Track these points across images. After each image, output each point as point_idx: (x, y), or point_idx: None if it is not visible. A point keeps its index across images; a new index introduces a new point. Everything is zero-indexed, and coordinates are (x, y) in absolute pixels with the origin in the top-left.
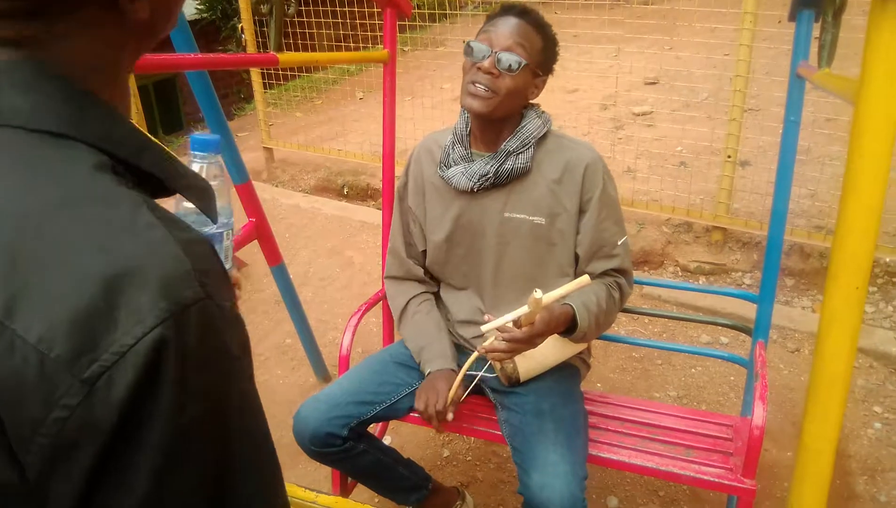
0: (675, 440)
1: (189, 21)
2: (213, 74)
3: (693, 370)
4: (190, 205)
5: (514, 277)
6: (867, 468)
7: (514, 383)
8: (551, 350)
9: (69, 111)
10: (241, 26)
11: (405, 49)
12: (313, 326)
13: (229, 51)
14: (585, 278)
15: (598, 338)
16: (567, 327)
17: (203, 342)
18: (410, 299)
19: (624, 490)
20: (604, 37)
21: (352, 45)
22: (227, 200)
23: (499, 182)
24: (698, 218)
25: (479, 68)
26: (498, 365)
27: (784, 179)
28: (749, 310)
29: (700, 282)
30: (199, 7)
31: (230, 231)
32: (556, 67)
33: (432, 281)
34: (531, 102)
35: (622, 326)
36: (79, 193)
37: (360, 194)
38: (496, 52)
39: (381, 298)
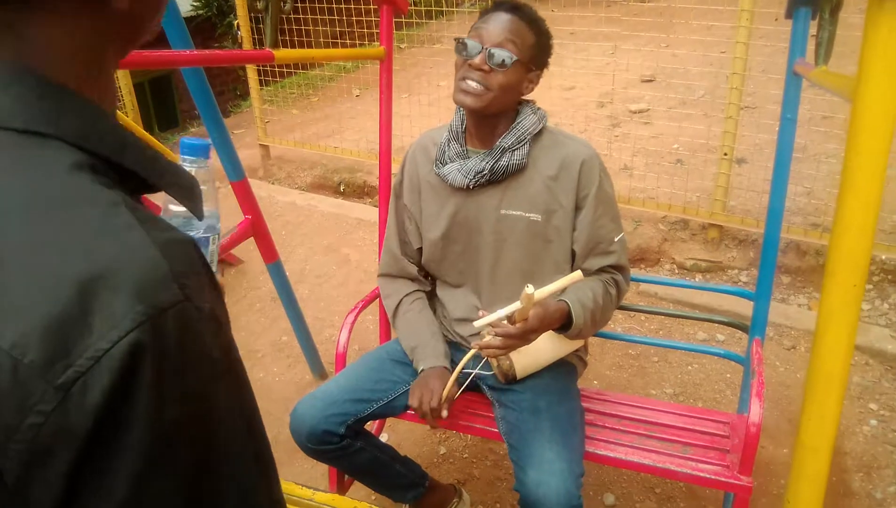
0: (671, 437)
1: (185, 17)
2: (208, 70)
3: (689, 367)
4: (179, 208)
5: (510, 274)
6: (863, 465)
7: (511, 380)
8: (548, 347)
9: (46, 108)
10: (237, 23)
11: (402, 46)
12: (310, 323)
13: (225, 47)
14: (578, 274)
15: (594, 335)
16: (562, 323)
17: (181, 346)
18: (403, 298)
19: (620, 487)
20: (600, 34)
21: (348, 42)
22: (215, 205)
23: (494, 179)
24: (695, 215)
25: (470, 65)
26: (494, 362)
27: (780, 177)
28: (745, 307)
29: (696, 279)
30: (194, 3)
31: (216, 236)
32: (554, 64)
33: (426, 279)
34: (526, 98)
35: (619, 323)
36: (53, 193)
37: (356, 192)
38: (487, 49)
39: (378, 295)
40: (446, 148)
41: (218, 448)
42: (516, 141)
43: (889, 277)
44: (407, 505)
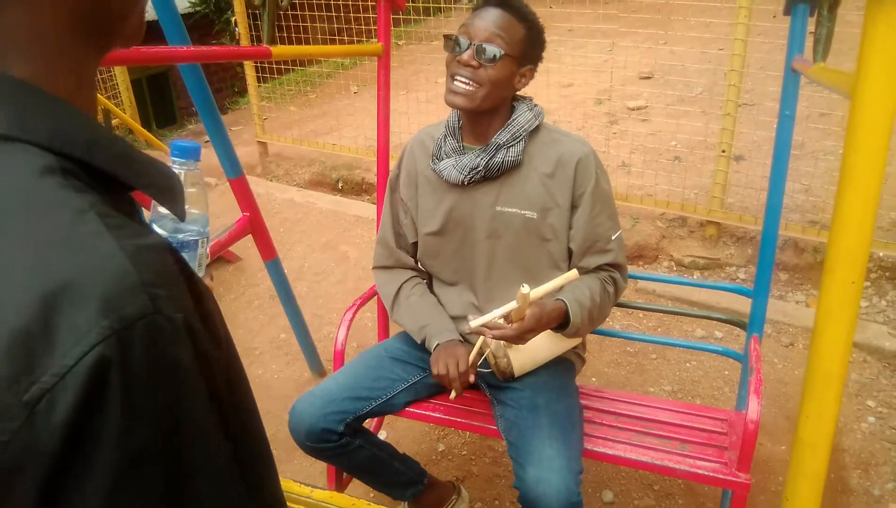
0: (669, 434)
1: (182, 14)
2: (206, 67)
3: (687, 364)
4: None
5: (505, 271)
6: (861, 462)
7: (509, 378)
8: (545, 345)
9: (11, 111)
10: (235, 19)
11: (399, 43)
12: (308, 321)
13: (223, 44)
14: (574, 273)
15: (592, 333)
16: (560, 322)
17: (150, 360)
18: (403, 284)
19: (619, 485)
20: (598, 31)
21: (346, 38)
22: (205, 208)
23: (489, 175)
24: (693, 213)
25: (459, 61)
26: (492, 360)
27: (778, 174)
28: (743, 304)
29: (694, 277)
30: (192, 0)
31: (206, 239)
32: (551, 61)
33: (423, 271)
34: (522, 94)
35: (616, 320)
36: (17, 202)
37: (354, 189)
38: (475, 44)
39: (376, 292)
40: (442, 144)
41: (193, 464)
42: (511, 138)
43: (887, 274)
44: (406, 503)
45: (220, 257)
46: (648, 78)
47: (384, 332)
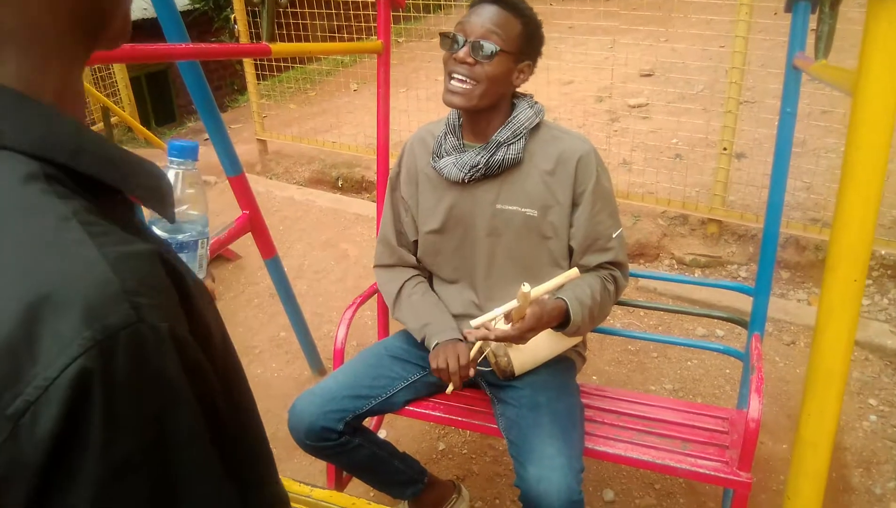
0: (671, 433)
1: (181, 12)
2: (206, 65)
3: (689, 362)
4: None
5: (506, 269)
6: (862, 460)
7: (509, 376)
8: (546, 343)
9: None
10: (234, 17)
11: (399, 40)
12: (308, 319)
13: (222, 42)
14: (574, 271)
15: (593, 331)
16: (560, 321)
17: (134, 370)
18: (405, 283)
19: (620, 483)
20: (599, 28)
21: (346, 36)
22: (204, 208)
23: (490, 173)
24: (694, 211)
25: (455, 59)
26: (493, 359)
27: (780, 171)
28: (744, 303)
29: (696, 275)
30: None
31: (206, 240)
32: (552, 59)
33: (423, 269)
34: (522, 91)
35: (617, 319)
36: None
37: (354, 187)
38: (470, 41)
39: (376, 291)
40: (443, 141)
41: (180, 474)
42: (512, 135)
43: (889, 272)
44: (406, 502)
45: (220, 255)
46: (649, 75)
47: (384, 330)
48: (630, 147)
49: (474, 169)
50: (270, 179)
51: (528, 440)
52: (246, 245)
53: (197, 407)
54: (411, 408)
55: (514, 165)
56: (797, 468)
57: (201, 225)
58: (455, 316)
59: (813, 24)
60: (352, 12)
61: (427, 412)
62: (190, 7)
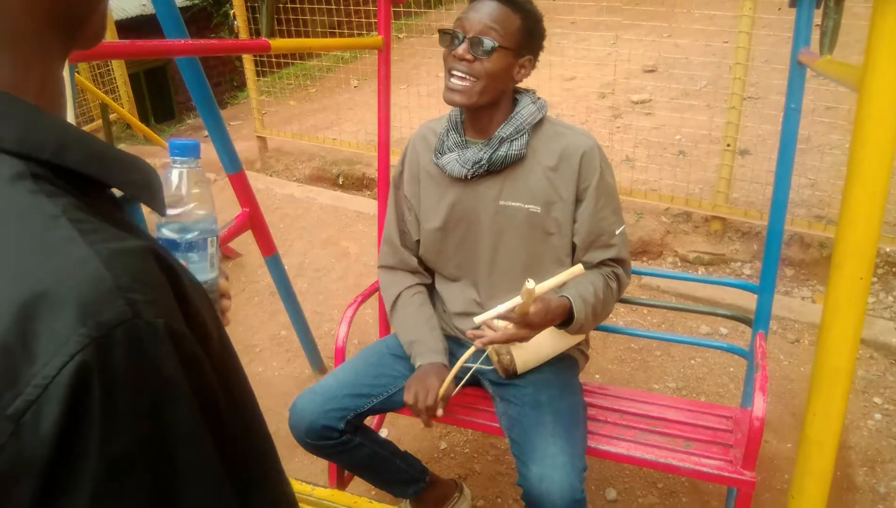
0: (674, 432)
1: (180, 8)
2: (205, 62)
3: (692, 361)
4: (175, 211)
5: (509, 266)
6: (867, 459)
7: (512, 375)
8: (549, 342)
9: None
10: (233, 13)
11: (400, 36)
12: (308, 317)
13: (221, 38)
14: (579, 268)
15: (596, 329)
16: (564, 318)
17: (132, 366)
18: (403, 291)
19: (623, 482)
20: (602, 24)
21: (346, 32)
22: (211, 206)
23: (493, 169)
24: (697, 208)
25: (454, 55)
26: (495, 357)
27: (784, 168)
28: (748, 300)
29: (699, 272)
30: None
31: (215, 238)
32: (554, 55)
33: (426, 272)
34: (525, 87)
35: (621, 317)
36: None
37: (355, 184)
38: (469, 38)
39: (377, 289)
40: (445, 138)
41: (179, 471)
42: (514, 131)
43: (894, 269)
44: (407, 501)
45: (220, 253)
46: (652, 71)
47: (385, 329)
48: (633, 144)
49: (477, 165)
50: (270, 176)
51: (530, 439)
52: (246, 243)
53: (195, 403)
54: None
55: (516, 161)
56: (802, 466)
57: (209, 223)
58: (457, 314)
59: (817, 20)
60: (352, 8)
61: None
62: (188, 3)
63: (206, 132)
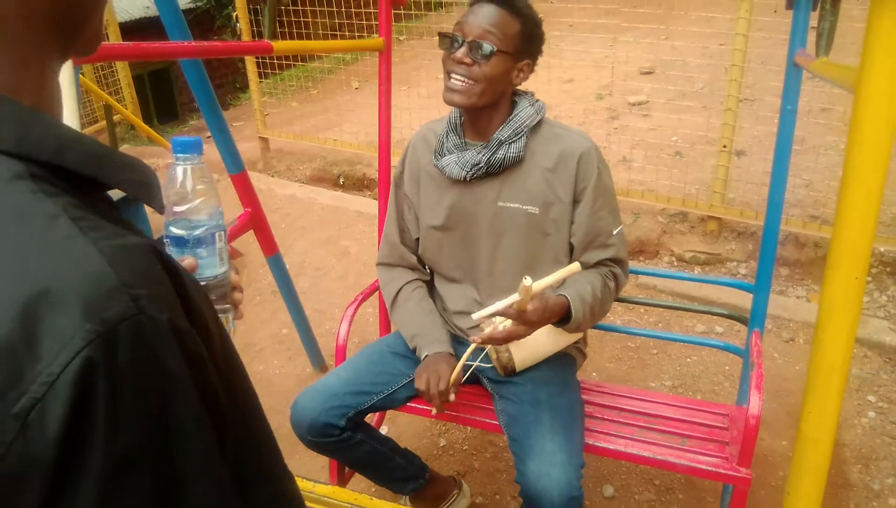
0: (670, 429)
1: (183, 10)
2: (208, 63)
3: (688, 359)
4: (182, 208)
5: (508, 267)
6: (861, 456)
7: (510, 373)
8: (547, 339)
9: None
10: (236, 15)
11: (401, 38)
12: (309, 316)
13: (224, 40)
14: (576, 265)
15: (593, 327)
16: (561, 316)
17: (136, 362)
18: (403, 286)
19: (620, 479)
20: (600, 26)
21: (347, 34)
22: (216, 201)
23: (491, 171)
24: (694, 208)
25: (453, 59)
26: (494, 355)
27: (780, 169)
28: (744, 300)
29: (695, 272)
30: None
31: (223, 232)
32: (552, 57)
33: (425, 269)
34: (523, 89)
35: (618, 315)
36: None
37: (356, 184)
38: (468, 41)
39: (378, 288)
40: (445, 140)
41: (183, 467)
42: (513, 134)
43: (888, 269)
44: (407, 497)
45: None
46: (649, 73)
47: (386, 327)
48: (630, 145)
49: (476, 168)
50: (272, 176)
51: (528, 436)
52: (248, 243)
53: (199, 398)
54: (413, 405)
55: (515, 163)
56: (798, 463)
57: (216, 218)
58: (457, 313)
59: (813, 22)
60: (353, 10)
61: (428, 408)
62: (192, 5)
63: (208, 133)
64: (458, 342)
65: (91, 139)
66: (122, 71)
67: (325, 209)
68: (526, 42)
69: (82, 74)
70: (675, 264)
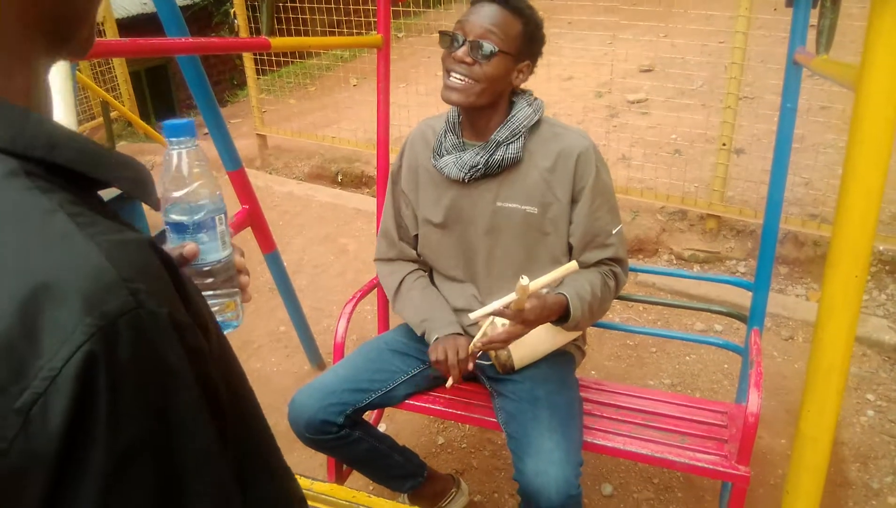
0: (669, 427)
1: (180, 6)
2: (205, 60)
3: (687, 357)
4: (180, 193)
5: (506, 266)
6: (860, 455)
7: (509, 370)
8: (545, 337)
9: None
10: (234, 11)
11: (399, 35)
12: (307, 313)
13: (222, 37)
14: (573, 265)
15: (592, 325)
16: (560, 315)
17: (137, 356)
18: (405, 276)
19: (618, 477)
20: (599, 24)
21: (345, 31)
22: (214, 183)
23: (490, 172)
24: (693, 206)
25: (454, 58)
26: (492, 353)
27: (780, 167)
28: (743, 298)
29: (694, 270)
30: None
31: (223, 215)
32: (552, 54)
33: (425, 265)
34: (522, 87)
35: (617, 313)
36: None
37: (354, 182)
38: (469, 41)
39: (376, 285)
40: (443, 140)
41: (184, 461)
42: (511, 134)
43: (887, 267)
44: (405, 495)
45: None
46: (649, 71)
47: (384, 324)
48: (629, 143)
49: (474, 169)
50: (270, 173)
51: (526, 434)
52: (245, 240)
53: (200, 392)
54: (411, 402)
55: (513, 163)
56: (797, 462)
57: (215, 201)
58: (457, 310)
59: (813, 20)
60: (351, 7)
61: (427, 405)
62: (189, 2)
63: (206, 130)
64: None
65: (84, 137)
66: (120, 67)
67: (324, 207)
68: (527, 43)
69: (79, 70)
70: (675, 262)
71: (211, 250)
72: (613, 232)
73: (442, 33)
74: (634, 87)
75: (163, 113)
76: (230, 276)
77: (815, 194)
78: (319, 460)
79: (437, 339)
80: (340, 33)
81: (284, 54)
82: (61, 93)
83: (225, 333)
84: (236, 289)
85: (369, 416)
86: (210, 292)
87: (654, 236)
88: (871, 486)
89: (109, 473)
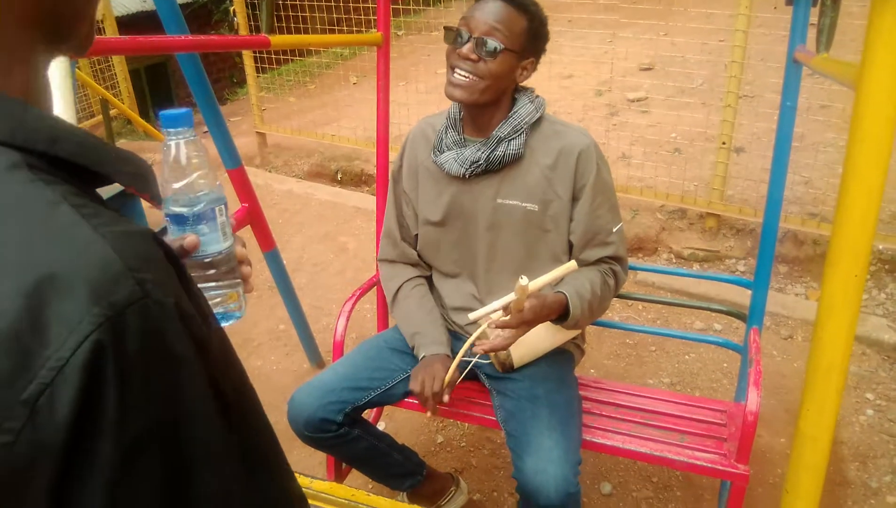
0: (668, 425)
1: (180, 4)
2: (205, 58)
3: (687, 356)
4: (180, 184)
5: (506, 264)
6: (859, 454)
7: (508, 369)
8: (545, 336)
9: None
10: (234, 9)
11: (399, 33)
12: (307, 312)
13: (221, 34)
14: (572, 264)
15: (591, 324)
16: (560, 313)
17: (145, 346)
18: (403, 283)
19: (617, 476)
20: (599, 22)
21: (345, 29)
22: (213, 174)
23: (491, 168)
24: (692, 205)
25: (458, 54)
26: (492, 352)
27: (780, 166)
28: (742, 296)
29: (694, 269)
30: None
31: (223, 206)
32: (552, 52)
33: (426, 265)
34: (524, 85)
35: (616, 312)
36: None
37: (353, 180)
38: (474, 38)
39: (376, 283)
40: (444, 136)
41: (192, 452)
42: (512, 131)
43: (886, 266)
44: (404, 494)
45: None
46: (649, 69)
47: (383, 323)
48: (629, 141)
49: (475, 165)
50: (269, 171)
51: (525, 432)
52: (245, 238)
53: (206, 382)
54: (410, 400)
55: (514, 160)
56: (797, 461)
57: (214, 191)
58: (455, 309)
59: (813, 19)
60: (351, 5)
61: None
62: None
63: (205, 128)
64: (457, 338)
65: (84, 131)
66: (119, 65)
67: (323, 205)
68: (532, 40)
69: (78, 68)
70: (674, 260)
71: (212, 242)
72: (614, 230)
73: (447, 29)
74: (634, 85)
75: (162, 110)
76: (232, 267)
77: (815, 192)
78: (318, 458)
79: (422, 358)
80: (340, 31)
81: (284, 52)
82: (61, 90)
83: (226, 325)
84: (238, 280)
85: (368, 414)
86: (212, 284)
87: (653, 235)
88: (869, 485)
89: (118, 463)
